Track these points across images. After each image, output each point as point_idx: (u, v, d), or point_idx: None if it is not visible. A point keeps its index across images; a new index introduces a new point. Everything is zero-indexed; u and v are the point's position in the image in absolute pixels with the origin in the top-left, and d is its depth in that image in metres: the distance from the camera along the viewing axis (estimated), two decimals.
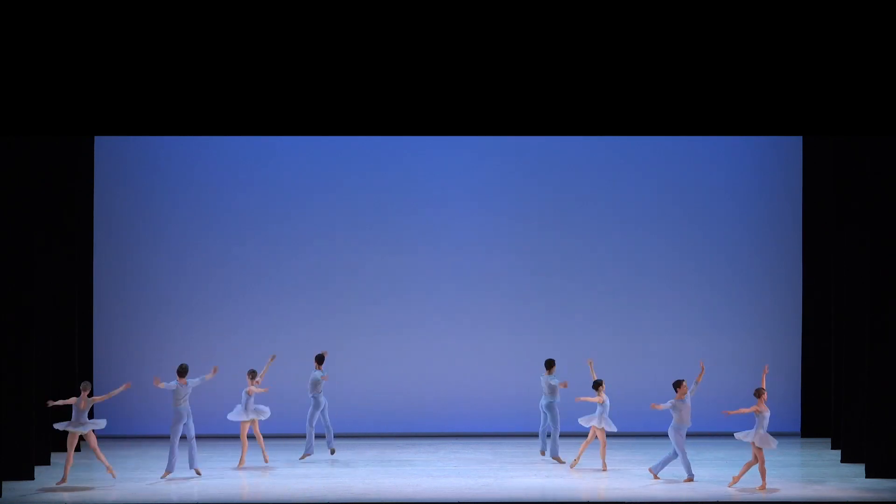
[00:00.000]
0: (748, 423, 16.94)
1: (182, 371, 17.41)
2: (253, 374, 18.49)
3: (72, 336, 20.02)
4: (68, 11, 14.59)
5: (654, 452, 18.53)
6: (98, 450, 16.84)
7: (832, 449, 19.91)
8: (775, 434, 16.88)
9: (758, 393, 16.55)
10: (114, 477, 16.94)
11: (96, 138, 21.52)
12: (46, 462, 18.10)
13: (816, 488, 16.21)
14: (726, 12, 14.87)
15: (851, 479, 16.94)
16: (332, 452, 19.01)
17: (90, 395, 16.98)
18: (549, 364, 18.78)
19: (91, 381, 21.16)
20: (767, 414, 16.50)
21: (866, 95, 14.91)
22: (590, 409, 18.28)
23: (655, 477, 17.09)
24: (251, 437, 18.80)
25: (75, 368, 20.08)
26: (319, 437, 19.05)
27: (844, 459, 18.47)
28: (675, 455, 17.00)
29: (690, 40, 14.91)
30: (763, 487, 16.28)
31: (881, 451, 16.76)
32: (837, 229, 19.65)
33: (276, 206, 22.11)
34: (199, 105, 14.90)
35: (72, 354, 19.98)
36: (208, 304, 21.98)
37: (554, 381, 18.58)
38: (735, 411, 16.72)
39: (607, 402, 18.02)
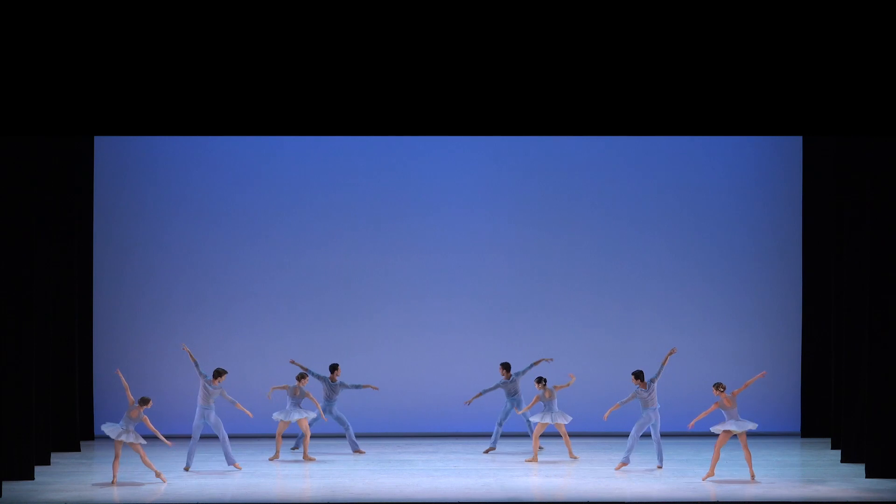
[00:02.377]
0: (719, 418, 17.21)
1: (217, 373, 17.87)
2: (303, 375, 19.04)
3: (72, 336, 20.03)
4: (68, 11, 14.58)
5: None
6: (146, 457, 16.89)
7: (832, 449, 19.91)
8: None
9: (717, 387, 16.78)
10: (159, 480, 16.84)
11: (96, 138, 21.50)
12: (46, 462, 18.08)
13: (816, 488, 16.21)
14: (726, 12, 14.87)
15: (851, 479, 16.94)
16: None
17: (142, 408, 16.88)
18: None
19: (91, 380, 21.18)
20: (734, 409, 16.77)
21: (866, 95, 14.91)
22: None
23: (623, 465, 17.73)
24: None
25: (75, 368, 20.09)
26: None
27: (844, 459, 18.47)
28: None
29: (690, 40, 14.91)
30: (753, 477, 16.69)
31: (881, 451, 16.75)
32: (837, 229, 19.64)
33: (276, 206, 22.10)
34: (199, 105, 14.89)
35: (72, 354, 19.98)
36: (208, 305, 21.97)
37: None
38: (697, 418, 16.98)
39: (553, 401, 18.60)
